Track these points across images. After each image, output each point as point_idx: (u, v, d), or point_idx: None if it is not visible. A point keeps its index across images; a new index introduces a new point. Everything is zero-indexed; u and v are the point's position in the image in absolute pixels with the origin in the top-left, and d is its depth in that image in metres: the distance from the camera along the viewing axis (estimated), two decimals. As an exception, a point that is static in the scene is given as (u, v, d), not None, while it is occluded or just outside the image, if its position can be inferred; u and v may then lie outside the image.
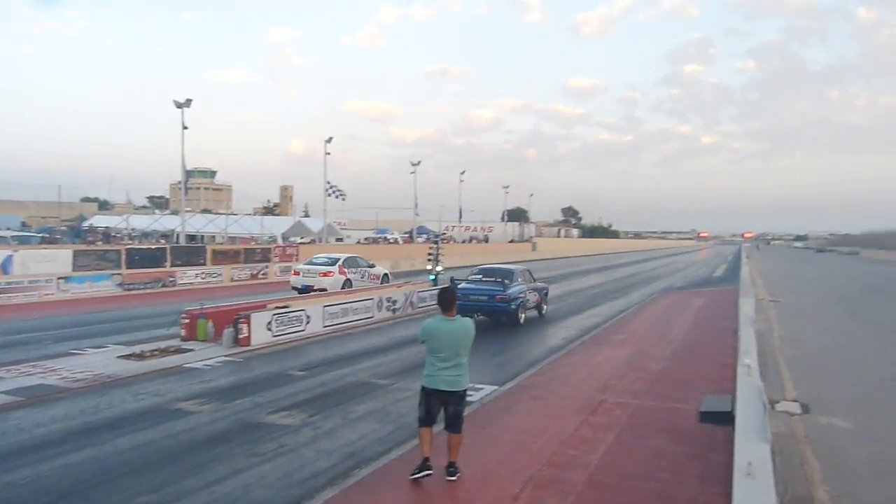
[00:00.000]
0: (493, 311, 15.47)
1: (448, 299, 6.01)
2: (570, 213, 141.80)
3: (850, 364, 12.30)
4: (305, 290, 21.68)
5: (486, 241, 69.21)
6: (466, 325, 5.97)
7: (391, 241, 56.62)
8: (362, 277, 23.63)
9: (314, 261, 23.44)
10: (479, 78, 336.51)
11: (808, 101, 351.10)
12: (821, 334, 16.48)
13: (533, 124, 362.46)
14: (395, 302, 18.44)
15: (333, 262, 23.05)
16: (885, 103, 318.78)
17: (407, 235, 60.11)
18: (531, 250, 68.35)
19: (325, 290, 21.17)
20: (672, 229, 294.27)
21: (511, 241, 72.75)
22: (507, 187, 70.75)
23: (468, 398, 6.97)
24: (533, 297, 17.21)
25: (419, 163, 51.15)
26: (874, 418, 8.43)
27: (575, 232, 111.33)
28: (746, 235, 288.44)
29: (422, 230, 60.87)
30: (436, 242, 24.77)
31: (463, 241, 62.34)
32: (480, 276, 16.56)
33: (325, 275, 22.40)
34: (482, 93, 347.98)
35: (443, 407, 6.00)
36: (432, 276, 23.92)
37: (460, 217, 61.74)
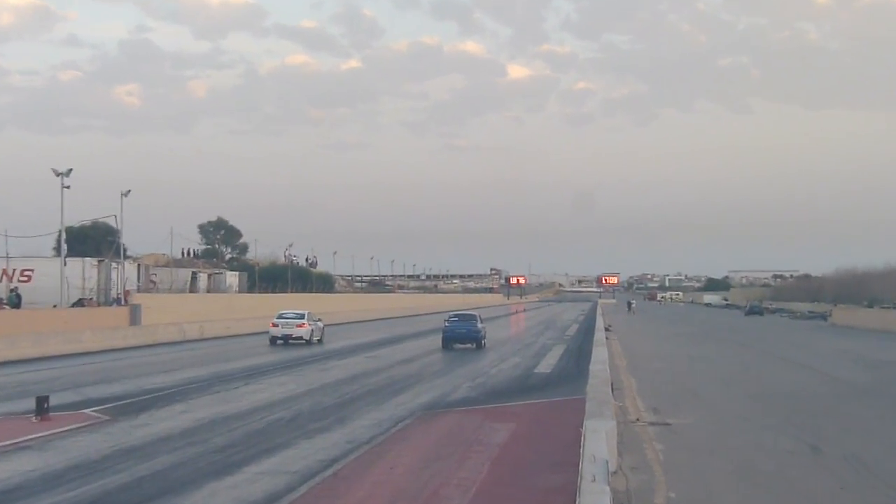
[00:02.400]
0: (469, 339, 62.78)
1: None
2: (221, 238, 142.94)
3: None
4: (285, 338, 65.42)
5: (18, 303, 67.08)
6: None
7: None
8: (315, 329, 67.85)
9: (285, 315, 67.52)
10: None
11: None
12: (752, 491, 18.04)
13: (132, 25, 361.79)
14: None
15: (301, 316, 67.31)
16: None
17: None
18: (128, 323, 67.45)
19: (301, 337, 65.67)
20: (458, 271, 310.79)
21: (79, 303, 71.29)
22: (68, 175, 69.44)
23: None
24: (484, 332, 64.47)
25: None
26: None
27: (232, 279, 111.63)
28: (608, 281, 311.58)
29: None
30: None
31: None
32: (457, 319, 65.28)
33: (300, 326, 66.05)
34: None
35: None
36: None
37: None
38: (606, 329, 69.76)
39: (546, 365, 49.47)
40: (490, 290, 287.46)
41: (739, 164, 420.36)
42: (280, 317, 66.87)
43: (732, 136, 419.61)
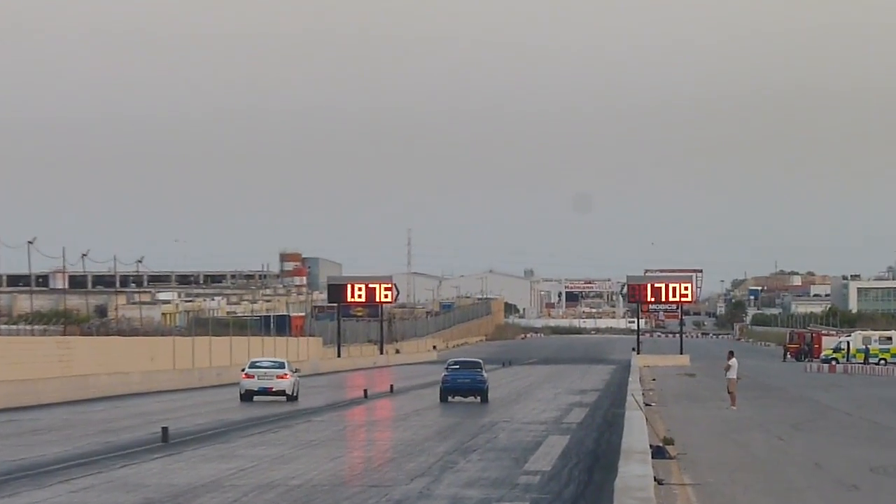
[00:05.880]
0: (474, 390, 60.83)
1: None
2: None
3: None
4: (263, 391, 59.32)
5: None
6: None
7: None
8: (295, 379, 61.36)
9: (259, 364, 61.68)
10: None
11: None
12: None
13: None
14: None
15: (281, 365, 61.75)
16: None
17: None
18: None
19: (283, 391, 59.29)
20: (188, 267, 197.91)
21: None
22: None
23: None
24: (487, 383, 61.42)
25: None
26: None
27: None
28: (658, 296, 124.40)
29: None
30: None
31: None
32: (458, 367, 63.11)
33: (281, 377, 59.54)
34: None
35: None
36: None
37: None
38: (658, 451, 26.35)
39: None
40: (282, 322, 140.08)
41: None
42: (253, 366, 61.08)
43: None
